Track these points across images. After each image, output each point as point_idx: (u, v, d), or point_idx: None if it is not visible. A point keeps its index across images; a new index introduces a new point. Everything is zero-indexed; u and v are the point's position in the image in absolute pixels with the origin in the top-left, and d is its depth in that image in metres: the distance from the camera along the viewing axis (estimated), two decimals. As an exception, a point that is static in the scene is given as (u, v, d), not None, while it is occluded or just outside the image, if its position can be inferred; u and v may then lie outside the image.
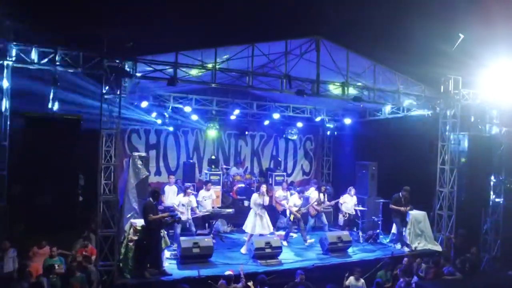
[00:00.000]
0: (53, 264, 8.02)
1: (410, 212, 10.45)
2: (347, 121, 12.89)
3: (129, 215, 9.00)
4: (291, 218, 10.39)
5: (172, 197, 10.52)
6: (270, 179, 13.04)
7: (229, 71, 8.17)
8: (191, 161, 13.11)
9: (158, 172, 12.94)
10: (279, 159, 14.25)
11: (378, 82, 9.57)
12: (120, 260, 7.86)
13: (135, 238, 7.92)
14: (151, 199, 7.92)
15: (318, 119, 12.80)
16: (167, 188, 10.73)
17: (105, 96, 7.44)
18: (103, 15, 8.71)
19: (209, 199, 10.37)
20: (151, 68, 7.76)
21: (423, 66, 10.27)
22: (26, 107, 7.19)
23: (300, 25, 9.65)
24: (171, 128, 12.64)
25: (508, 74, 9.71)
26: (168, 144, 13.15)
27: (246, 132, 13.82)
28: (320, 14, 10.00)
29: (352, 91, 9.23)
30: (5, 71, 6.96)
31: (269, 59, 8.44)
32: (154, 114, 11.95)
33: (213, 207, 10.59)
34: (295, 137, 14.16)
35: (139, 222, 8.10)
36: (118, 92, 7.42)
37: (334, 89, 9.24)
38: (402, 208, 10.18)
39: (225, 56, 8.07)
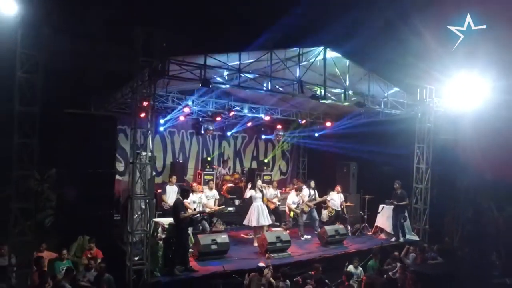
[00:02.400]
0: (72, 267, 7.83)
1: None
2: (328, 123, 13.82)
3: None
4: (291, 215, 11.00)
5: (173, 196, 10.49)
6: (258, 179, 13.45)
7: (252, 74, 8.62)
8: (180, 161, 13.13)
9: (145, 173, 12.71)
10: (265, 161, 14.81)
11: (371, 89, 10.62)
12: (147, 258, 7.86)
13: (163, 236, 7.99)
14: (180, 197, 8.03)
15: (303, 121, 13.60)
16: (168, 188, 10.72)
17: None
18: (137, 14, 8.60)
19: (212, 198, 10.60)
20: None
21: (405, 76, 11.58)
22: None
23: (308, 36, 10.41)
24: (161, 128, 12.57)
25: (469, 84, 11.31)
26: (155, 144, 12.97)
27: (231, 133, 14.16)
28: (325, 27, 10.85)
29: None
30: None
31: (285, 65, 8.99)
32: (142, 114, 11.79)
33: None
34: (281, 138, 14.82)
35: (165, 221, 8.18)
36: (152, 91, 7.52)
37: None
38: (392, 202, 11.30)
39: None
